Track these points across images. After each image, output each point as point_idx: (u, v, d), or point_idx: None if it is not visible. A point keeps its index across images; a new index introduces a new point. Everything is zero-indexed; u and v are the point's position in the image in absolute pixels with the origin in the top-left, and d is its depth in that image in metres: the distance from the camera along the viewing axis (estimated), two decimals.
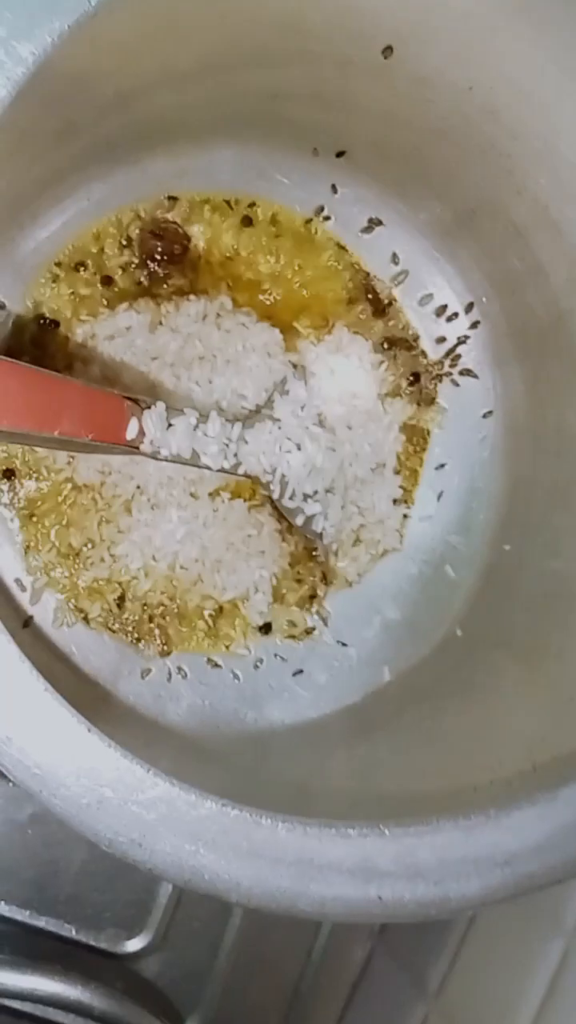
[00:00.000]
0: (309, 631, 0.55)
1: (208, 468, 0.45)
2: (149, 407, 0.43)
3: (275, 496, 0.48)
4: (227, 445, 0.45)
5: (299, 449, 0.47)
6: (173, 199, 0.53)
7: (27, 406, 0.35)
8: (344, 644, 0.55)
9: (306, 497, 0.48)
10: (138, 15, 0.37)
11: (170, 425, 0.43)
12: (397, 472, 0.56)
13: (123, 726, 0.49)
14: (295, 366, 0.51)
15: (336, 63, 0.44)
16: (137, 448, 0.42)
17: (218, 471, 0.45)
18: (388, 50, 0.42)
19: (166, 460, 0.43)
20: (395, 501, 0.55)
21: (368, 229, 0.55)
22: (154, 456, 0.43)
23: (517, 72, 0.41)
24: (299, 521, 0.49)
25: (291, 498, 0.48)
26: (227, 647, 0.54)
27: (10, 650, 0.31)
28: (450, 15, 0.39)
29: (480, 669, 0.49)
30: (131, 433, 0.41)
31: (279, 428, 0.47)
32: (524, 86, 0.41)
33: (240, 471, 0.46)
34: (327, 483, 0.49)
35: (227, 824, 0.30)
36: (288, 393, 0.48)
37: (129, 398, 0.42)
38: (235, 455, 0.45)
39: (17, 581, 0.51)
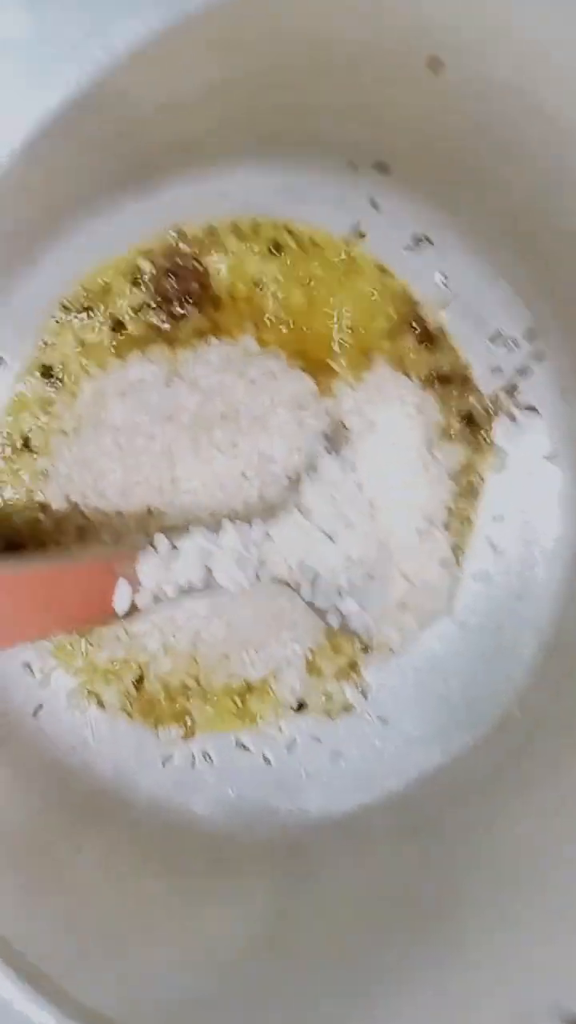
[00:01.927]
0: (348, 707, 0.49)
1: (223, 588, 0.39)
2: (145, 548, 0.36)
3: (305, 597, 0.42)
4: (247, 551, 0.38)
5: (333, 540, 0.41)
6: (186, 231, 0.46)
7: None
8: (386, 722, 0.49)
9: (341, 593, 0.42)
10: (167, 37, 0.30)
11: (174, 547, 0.37)
12: (447, 527, 0.49)
13: (142, 830, 0.45)
14: (327, 436, 0.44)
15: (373, 74, 0.36)
16: (135, 610, 0.36)
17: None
18: (435, 61, 0.34)
19: (175, 601, 0.37)
20: (445, 563, 0.49)
21: (413, 247, 0.48)
22: (155, 605, 0.37)
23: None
24: (333, 622, 0.43)
25: (324, 596, 0.41)
26: (257, 727, 0.49)
27: None
28: (504, 24, 0.31)
29: (541, 760, 0.44)
30: (122, 602, 0.35)
31: (309, 518, 0.40)
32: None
33: (264, 577, 0.40)
34: (366, 571, 0.43)
35: None
36: (317, 472, 0.42)
37: (115, 555, 0.36)
38: (257, 559, 0.39)
39: (26, 665, 0.47)
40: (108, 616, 0.35)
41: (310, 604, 0.42)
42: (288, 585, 0.41)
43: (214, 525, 0.39)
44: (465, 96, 0.35)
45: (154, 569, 0.36)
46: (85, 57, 0.30)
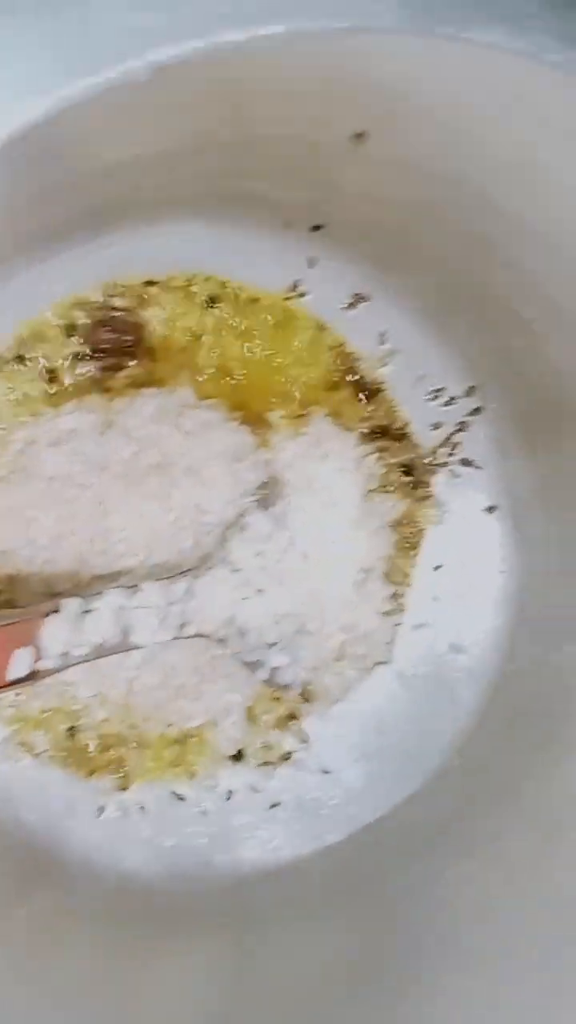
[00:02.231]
0: (287, 756, 0.49)
1: (138, 647, 0.39)
2: (51, 613, 0.36)
3: (232, 651, 0.42)
4: (169, 607, 0.38)
5: (261, 594, 0.41)
6: (124, 283, 0.46)
7: None
8: (326, 772, 0.49)
9: (270, 646, 0.42)
10: (100, 105, 0.30)
11: (87, 612, 0.37)
12: (387, 576, 0.49)
13: (74, 888, 0.44)
14: (260, 490, 0.44)
15: (301, 144, 0.37)
16: (36, 674, 0.36)
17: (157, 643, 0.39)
18: (360, 135, 0.35)
19: (82, 662, 0.37)
20: (384, 613, 0.49)
21: (351, 305, 0.48)
22: (62, 667, 0.37)
23: (513, 164, 0.33)
24: (262, 675, 0.43)
25: (252, 650, 0.42)
26: (193, 777, 0.48)
27: None
28: (430, 104, 0.31)
29: (480, 822, 0.44)
30: (19, 669, 0.35)
31: (236, 573, 0.41)
32: (527, 183, 0.34)
33: (188, 633, 0.40)
34: (297, 624, 0.43)
35: None
36: (248, 529, 0.42)
37: (11, 623, 0.36)
38: (181, 614, 0.39)
39: None
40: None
41: (237, 658, 0.42)
42: (212, 640, 0.41)
43: (139, 580, 0.39)
44: (388, 167, 0.36)
45: (60, 633, 0.36)
46: (26, 110, 0.30)
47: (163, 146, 0.36)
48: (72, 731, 0.47)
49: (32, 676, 0.36)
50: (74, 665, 0.37)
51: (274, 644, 0.42)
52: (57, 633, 0.36)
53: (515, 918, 0.39)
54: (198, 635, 0.40)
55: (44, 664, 0.36)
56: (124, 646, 0.38)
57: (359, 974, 0.41)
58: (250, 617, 0.41)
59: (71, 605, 0.37)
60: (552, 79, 0.24)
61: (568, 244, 0.36)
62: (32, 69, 0.25)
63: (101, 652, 0.38)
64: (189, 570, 0.41)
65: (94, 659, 0.38)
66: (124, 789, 0.48)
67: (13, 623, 0.35)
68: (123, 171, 0.39)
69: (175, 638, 0.39)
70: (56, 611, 0.37)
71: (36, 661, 0.36)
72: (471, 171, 0.35)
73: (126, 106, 0.31)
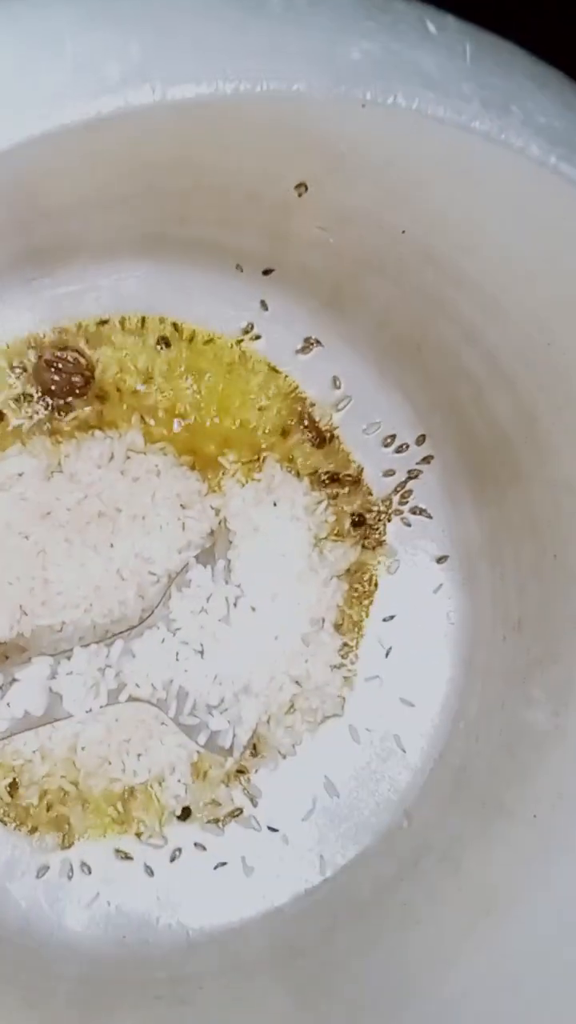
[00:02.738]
0: (235, 813, 0.48)
1: (70, 716, 0.37)
2: None
3: (170, 715, 0.40)
4: (103, 673, 0.37)
5: (201, 656, 0.40)
6: (73, 324, 0.45)
7: None
8: (274, 830, 0.48)
9: (210, 709, 0.41)
10: (46, 149, 0.29)
11: (13, 682, 0.35)
12: (338, 627, 0.49)
13: (11, 948, 0.42)
14: (207, 537, 0.43)
15: (242, 196, 0.36)
16: None
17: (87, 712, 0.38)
18: (301, 187, 0.34)
19: (5, 736, 0.36)
20: (335, 666, 0.48)
21: (305, 350, 0.48)
22: None
23: (455, 221, 0.33)
24: (201, 740, 0.42)
25: (191, 713, 0.40)
26: (139, 836, 0.47)
27: None
28: (369, 157, 0.31)
29: (422, 889, 0.42)
30: None
31: (175, 634, 0.39)
32: (465, 237, 0.33)
33: (122, 698, 0.39)
34: (240, 686, 0.42)
35: None
36: (189, 585, 0.41)
37: None
38: (116, 677, 0.38)
39: None
40: None
41: (176, 722, 0.41)
42: (150, 703, 0.40)
43: (81, 632, 0.38)
44: (331, 218, 0.35)
45: None
46: None
47: (109, 191, 0.36)
48: (13, 787, 0.45)
49: None
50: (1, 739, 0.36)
51: (214, 707, 0.41)
52: None
53: (454, 981, 0.38)
54: (132, 699, 0.39)
55: None
56: (52, 716, 0.37)
57: None
58: (189, 679, 0.40)
59: None
60: (480, 146, 0.23)
61: (502, 297, 0.35)
62: None
63: (26, 724, 0.36)
64: (125, 631, 0.40)
65: (16, 733, 0.36)
66: (68, 847, 0.46)
67: None
68: (70, 214, 0.39)
69: (107, 704, 0.38)
70: None
71: None
72: (411, 225, 0.34)
73: (71, 152, 0.31)
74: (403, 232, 0.35)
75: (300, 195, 0.35)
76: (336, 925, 0.45)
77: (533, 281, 0.32)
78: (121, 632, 0.39)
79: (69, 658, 0.37)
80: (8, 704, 0.35)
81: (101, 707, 0.38)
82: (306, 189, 0.34)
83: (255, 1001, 0.42)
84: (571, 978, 0.35)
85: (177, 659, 0.39)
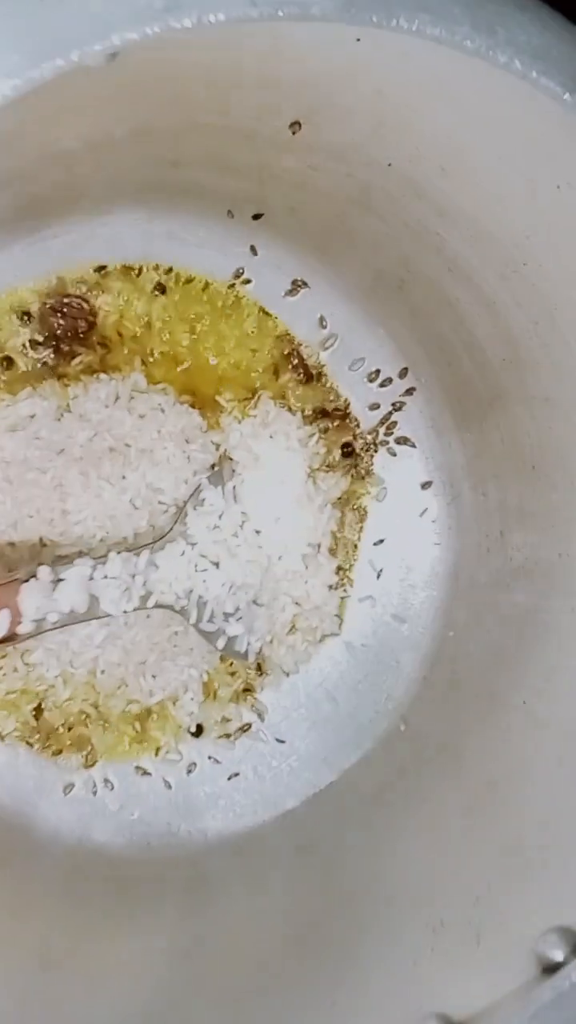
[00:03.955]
0: (245, 728, 0.51)
1: (108, 615, 0.40)
2: (29, 579, 0.38)
3: (191, 621, 0.44)
4: (132, 579, 0.40)
5: (217, 567, 0.43)
6: (75, 272, 0.48)
7: None
8: (282, 741, 0.51)
9: (227, 616, 0.44)
10: (49, 93, 0.32)
11: (59, 581, 0.39)
12: (333, 552, 0.52)
13: (44, 861, 0.45)
14: (214, 466, 0.46)
15: (238, 134, 0.39)
16: (14, 636, 0.37)
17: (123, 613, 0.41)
18: (296, 125, 0.38)
19: (55, 628, 0.39)
20: (331, 587, 0.51)
21: (292, 292, 0.51)
22: (38, 632, 0.38)
23: (438, 148, 0.36)
24: (220, 644, 0.45)
25: (210, 620, 0.44)
26: (157, 752, 0.50)
27: None
28: (360, 91, 0.34)
29: (426, 778, 0.46)
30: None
31: (193, 546, 0.43)
32: (446, 163, 0.37)
33: (150, 604, 0.42)
34: (252, 596, 0.45)
35: None
36: (203, 504, 0.44)
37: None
38: (144, 585, 0.41)
39: None
40: None
41: (197, 628, 0.44)
42: (173, 610, 0.43)
43: (103, 554, 0.41)
44: (323, 155, 0.39)
45: (36, 599, 0.38)
46: None
47: (107, 133, 0.38)
48: (38, 711, 0.48)
49: (10, 639, 0.37)
50: (48, 631, 0.39)
51: (231, 614, 0.44)
52: (32, 599, 0.38)
53: (455, 864, 0.41)
54: (159, 606, 0.42)
55: (22, 628, 0.38)
56: (92, 614, 0.40)
57: (312, 928, 0.43)
58: (207, 588, 0.43)
59: (44, 573, 0.39)
60: (470, 65, 0.27)
61: (482, 219, 0.38)
62: None
63: (72, 619, 0.39)
64: (149, 543, 0.43)
65: (64, 626, 0.39)
66: (90, 766, 0.49)
67: (5, 583, 0.37)
68: (73, 159, 0.41)
69: (138, 608, 0.41)
70: (34, 577, 0.38)
71: (16, 625, 0.37)
72: (397, 156, 0.38)
73: (74, 94, 0.33)
74: (389, 165, 0.38)
75: (294, 133, 0.38)
76: (344, 823, 0.48)
77: (511, 201, 0.35)
78: (146, 544, 0.42)
79: (104, 563, 0.40)
80: (56, 600, 0.38)
81: (133, 609, 0.41)
82: (300, 127, 0.38)
83: (270, 894, 0.46)
84: (565, 848, 0.38)
85: (196, 570, 0.43)
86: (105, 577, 0.40)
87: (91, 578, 0.39)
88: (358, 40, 0.29)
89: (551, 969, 0.30)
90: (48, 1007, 0.39)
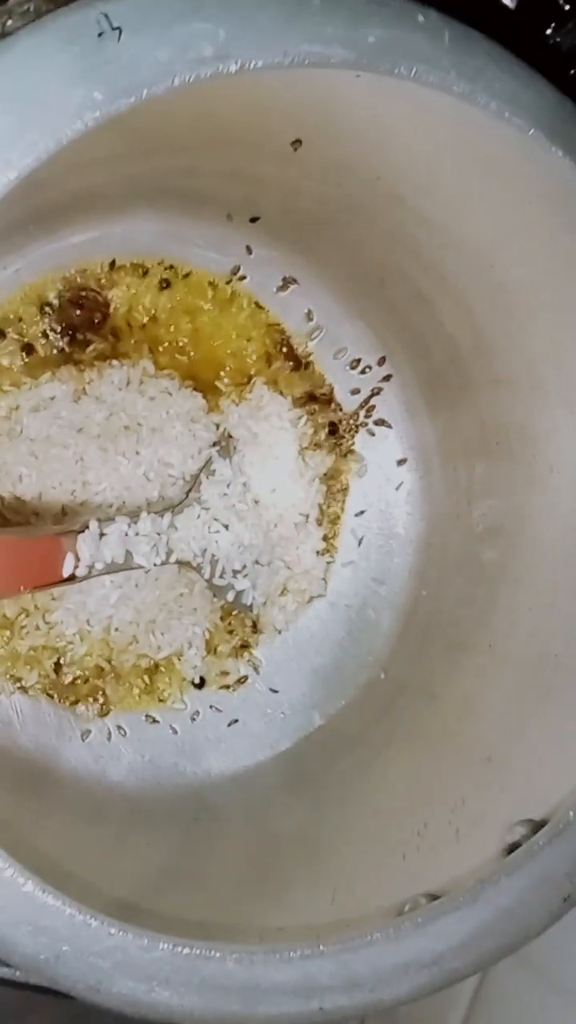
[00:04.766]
0: (242, 680, 0.57)
1: (142, 567, 0.46)
2: (83, 530, 0.44)
3: (205, 576, 0.50)
4: (159, 537, 0.46)
5: (227, 529, 0.49)
6: (90, 268, 0.53)
7: None
8: (275, 691, 0.57)
9: (235, 573, 0.50)
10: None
11: (103, 535, 0.44)
12: (319, 522, 0.58)
13: (67, 794, 0.51)
14: (218, 443, 0.52)
15: (248, 149, 0.45)
16: (74, 577, 0.43)
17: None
18: (297, 143, 0.43)
19: (100, 574, 0.45)
20: (319, 552, 0.58)
21: (283, 288, 0.57)
22: (88, 576, 0.44)
23: (420, 167, 0.42)
24: (229, 597, 0.51)
25: (221, 576, 0.50)
26: (163, 702, 0.56)
27: None
28: (356, 117, 0.40)
29: (405, 716, 0.53)
30: (67, 569, 0.42)
31: (207, 511, 0.49)
32: (427, 180, 0.43)
33: (172, 559, 0.48)
34: (255, 556, 0.51)
35: (179, 963, 0.32)
36: (214, 474, 0.50)
37: (63, 531, 0.43)
38: (167, 545, 0.47)
39: None
40: (51, 579, 0.42)
41: (209, 582, 0.50)
42: (191, 566, 0.49)
43: (133, 516, 0.47)
44: (318, 169, 0.44)
45: (90, 547, 0.43)
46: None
47: (133, 149, 0.44)
48: (58, 666, 0.53)
49: (71, 579, 0.43)
50: (96, 576, 0.44)
51: (238, 571, 0.50)
52: (88, 547, 0.43)
53: (434, 781, 0.48)
54: (179, 562, 0.48)
55: (79, 572, 0.43)
56: (128, 565, 0.46)
57: (307, 837, 0.49)
58: (219, 548, 0.49)
59: (94, 526, 0.44)
60: (452, 103, 0.33)
61: (456, 229, 0.45)
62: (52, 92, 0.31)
63: (112, 568, 0.45)
64: (170, 507, 0.49)
65: (107, 573, 0.45)
66: (105, 715, 0.54)
67: (68, 531, 0.43)
68: (91, 171, 0.46)
69: (164, 563, 0.47)
70: (87, 528, 0.44)
71: (74, 567, 0.43)
72: (385, 172, 0.44)
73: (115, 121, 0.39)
74: (377, 178, 0.44)
75: (295, 149, 0.44)
76: (332, 758, 0.54)
77: (479, 214, 0.42)
78: (167, 508, 0.48)
79: (137, 521, 0.46)
80: (101, 550, 0.44)
81: (160, 564, 0.47)
82: (300, 144, 0.43)
83: (269, 817, 0.52)
84: (526, 758, 0.45)
85: (208, 532, 0.49)
86: (137, 534, 0.45)
87: (127, 534, 0.45)
88: (358, 76, 0.35)
89: (513, 848, 0.37)
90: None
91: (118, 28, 0.28)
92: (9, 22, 0.29)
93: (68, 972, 0.31)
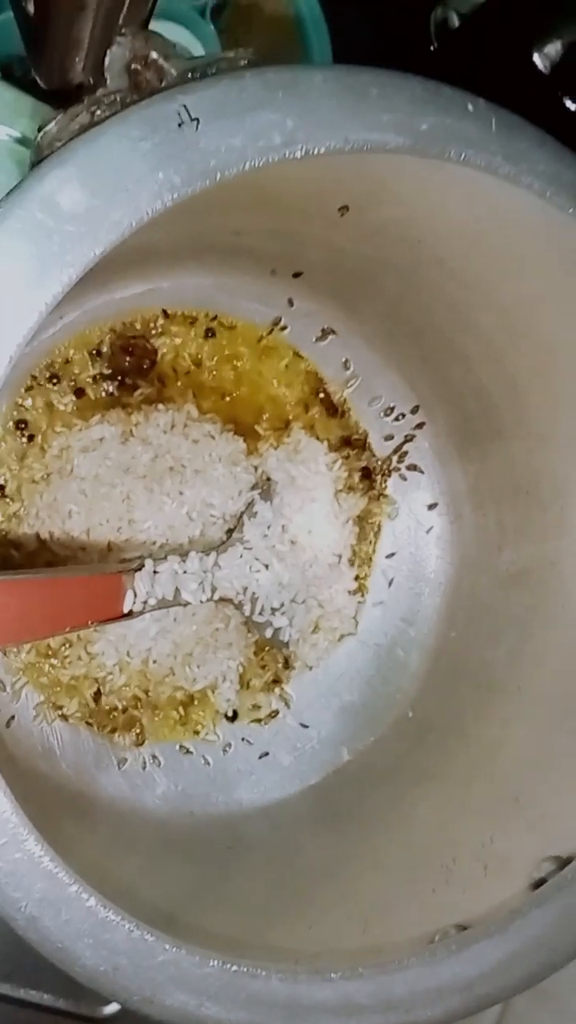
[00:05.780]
0: (273, 714, 0.59)
1: (188, 603, 0.49)
2: (140, 568, 0.46)
3: (246, 614, 0.52)
4: (205, 575, 0.48)
5: (267, 568, 0.51)
6: (140, 318, 0.56)
7: (27, 619, 0.39)
8: (305, 726, 0.59)
9: (274, 611, 0.52)
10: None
11: (155, 572, 0.47)
12: (352, 563, 0.60)
13: (104, 820, 0.53)
14: (258, 485, 0.55)
15: (297, 213, 0.48)
16: (131, 613, 0.45)
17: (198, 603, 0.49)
18: (344, 208, 0.46)
19: (152, 610, 0.47)
20: (351, 592, 0.60)
21: (322, 338, 0.59)
22: (143, 612, 0.46)
23: (463, 235, 0.45)
24: (267, 634, 0.54)
25: (260, 613, 0.52)
26: (197, 734, 0.57)
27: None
28: (404, 188, 0.43)
29: (433, 754, 0.54)
30: (127, 605, 0.44)
31: (249, 550, 0.51)
32: (469, 246, 0.45)
33: (216, 596, 0.50)
34: (292, 595, 0.54)
35: (227, 978, 0.33)
36: (256, 515, 0.52)
37: (124, 570, 0.46)
38: (212, 582, 0.49)
39: None
40: (117, 615, 0.44)
41: (248, 619, 0.52)
42: (233, 603, 0.51)
43: (182, 554, 0.49)
44: (363, 232, 0.47)
45: (144, 584, 0.46)
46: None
47: (192, 214, 0.47)
48: (97, 695, 0.55)
49: (128, 615, 0.45)
50: (149, 611, 0.47)
51: (277, 609, 0.52)
52: (144, 584, 0.46)
53: (463, 819, 0.49)
54: (223, 599, 0.51)
55: (135, 607, 0.45)
56: (177, 602, 0.48)
57: (338, 870, 0.50)
58: (260, 586, 0.51)
59: (149, 564, 0.47)
60: (499, 184, 0.35)
61: (497, 291, 0.47)
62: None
63: (163, 605, 0.47)
64: (215, 547, 0.51)
65: (158, 608, 0.47)
66: (140, 744, 0.56)
67: (128, 569, 0.45)
68: (150, 232, 0.49)
69: (209, 599, 0.49)
70: (142, 567, 0.46)
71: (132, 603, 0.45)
72: (427, 236, 0.46)
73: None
74: (420, 241, 0.47)
75: (342, 215, 0.46)
76: (361, 793, 0.56)
77: (518, 279, 0.44)
78: (212, 547, 0.51)
79: (185, 559, 0.48)
80: (154, 588, 0.46)
81: (206, 600, 0.49)
82: (347, 210, 0.46)
83: (300, 850, 0.53)
84: (554, 798, 0.46)
85: (250, 571, 0.51)
86: (185, 572, 0.48)
87: (176, 571, 0.47)
88: (417, 164, 0.38)
89: (540, 883, 0.38)
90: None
91: (196, 119, 0.31)
92: (98, 112, 0.32)
93: (125, 984, 0.33)
